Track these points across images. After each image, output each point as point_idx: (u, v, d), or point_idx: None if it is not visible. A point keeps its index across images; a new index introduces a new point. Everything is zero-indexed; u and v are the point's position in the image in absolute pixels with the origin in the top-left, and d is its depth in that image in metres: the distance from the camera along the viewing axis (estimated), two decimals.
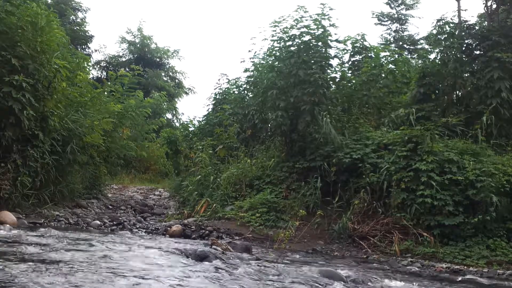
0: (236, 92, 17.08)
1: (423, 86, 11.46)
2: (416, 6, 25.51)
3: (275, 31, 11.44)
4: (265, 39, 11.66)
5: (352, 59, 13.86)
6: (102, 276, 4.01)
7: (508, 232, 8.18)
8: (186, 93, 34.40)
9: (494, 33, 11.26)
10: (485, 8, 12.49)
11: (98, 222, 9.93)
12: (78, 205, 11.66)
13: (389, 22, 25.76)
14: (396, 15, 25.63)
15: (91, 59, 29.29)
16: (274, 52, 11.61)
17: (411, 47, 23.90)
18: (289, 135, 11.16)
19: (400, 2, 25.59)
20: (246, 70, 14.87)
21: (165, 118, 27.87)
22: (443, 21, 12.01)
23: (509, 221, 8.28)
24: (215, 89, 18.15)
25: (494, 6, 12.46)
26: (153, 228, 9.80)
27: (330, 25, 11.33)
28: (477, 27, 12.25)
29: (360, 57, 13.82)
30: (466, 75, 11.80)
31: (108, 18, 61.62)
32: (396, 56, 15.03)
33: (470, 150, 9.23)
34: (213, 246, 6.97)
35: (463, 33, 11.89)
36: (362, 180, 9.57)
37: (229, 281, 4.54)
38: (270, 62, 11.76)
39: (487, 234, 8.19)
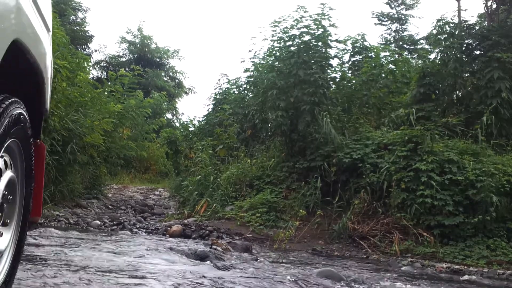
0: (236, 92, 17.09)
1: (423, 86, 11.45)
2: (416, 6, 25.56)
3: (275, 31, 11.46)
4: (265, 39, 11.69)
5: (352, 59, 13.86)
6: (101, 275, 4.02)
7: (508, 232, 8.19)
8: (186, 93, 34.45)
9: (494, 33, 11.25)
10: (485, 8, 12.51)
11: (98, 222, 9.93)
12: (78, 205, 11.66)
13: (389, 22, 25.79)
14: (396, 15, 25.65)
15: (91, 59, 29.28)
16: (274, 52, 11.62)
17: (411, 47, 23.88)
18: (289, 135, 11.16)
19: (400, 2, 25.61)
20: (246, 70, 14.89)
21: (165, 118, 27.85)
22: (443, 21, 12.01)
23: (509, 221, 8.29)
24: (215, 89, 18.18)
25: (494, 6, 12.48)
26: (153, 228, 9.80)
27: (330, 25, 11.36)
28: (477, 27, 12.26)
29: (360, 57, 13.82)
30: (466, 75, 11.81)
31: (108, 18, 61.74)
32: (396, 56, 15.03)
33: (470, 150, 9.23)
34: (213, 246, 6.98)
35: (463, 33, 11.89)
36: (362, 180, 9.57)
37: (229, 281, 4.54)
38: (270, 62, 11.78)
39: (487, 234, 8.20)
